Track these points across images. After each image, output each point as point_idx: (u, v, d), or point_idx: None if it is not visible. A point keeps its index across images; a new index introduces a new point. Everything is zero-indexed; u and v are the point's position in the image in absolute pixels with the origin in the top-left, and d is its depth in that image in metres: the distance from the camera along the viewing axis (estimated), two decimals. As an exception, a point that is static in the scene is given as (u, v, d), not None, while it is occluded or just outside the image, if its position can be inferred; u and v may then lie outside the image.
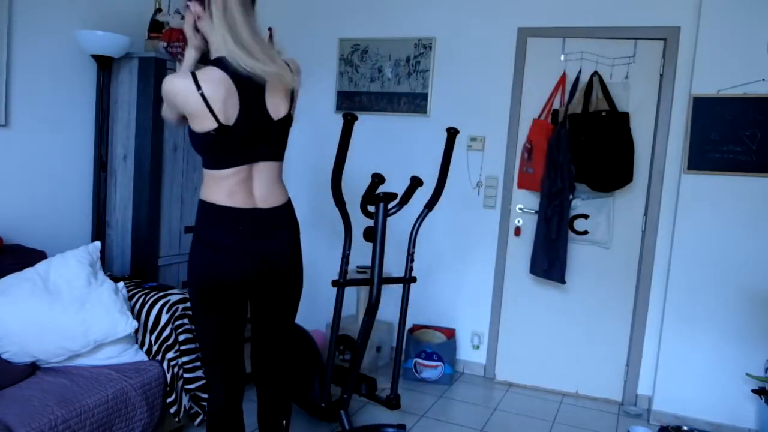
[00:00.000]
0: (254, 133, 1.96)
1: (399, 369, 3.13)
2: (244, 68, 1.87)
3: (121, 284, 2.70)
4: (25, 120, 3.06)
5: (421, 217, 3.12)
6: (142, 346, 2.69)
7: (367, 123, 4.16)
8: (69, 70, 3.25)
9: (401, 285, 3.14)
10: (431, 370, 3.82)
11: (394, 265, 4.13)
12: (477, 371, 4.04)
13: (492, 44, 3.87)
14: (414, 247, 3.11)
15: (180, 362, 2.68)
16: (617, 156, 3.48)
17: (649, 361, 3.60)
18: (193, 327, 2.79)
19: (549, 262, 3.61)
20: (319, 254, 4.40)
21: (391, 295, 4.14)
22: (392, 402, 3.09)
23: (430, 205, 3.10)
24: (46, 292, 2.48)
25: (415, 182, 3.04)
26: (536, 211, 3.74)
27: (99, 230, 3.38)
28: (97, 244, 2.79)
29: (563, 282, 3.61)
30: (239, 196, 1.98)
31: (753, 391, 3.18)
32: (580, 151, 3.52)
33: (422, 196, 3.66)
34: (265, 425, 2.34)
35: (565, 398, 3.76)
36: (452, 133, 3.05)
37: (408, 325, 4.10)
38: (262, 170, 2.04)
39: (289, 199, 2.21)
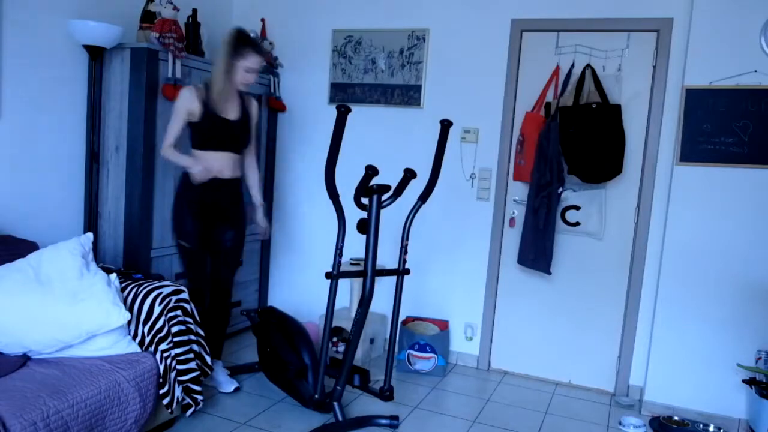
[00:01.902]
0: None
1: (392, 360, 3.13)
2: None
3: (113, 275, 2.69)
4: (17, 111, 3.04)
5: (415, 209, 3.12)
6: (134, 337, 2.69)
7: (360, 115, 4.16)
8: (60, 60, 3.23)
9: (394, 277, 3.14)
10: (424, 361, 3.83)
11: (387, 257, 4.13)
12: (470, 363, 4.06)
13: (486, 36, 3.87)
14: (408, 239, 3.11)
15: (173, 354, 2.67)
16: (606, 147, 3.49)
17: (641, 352, 3.62)
18: (186, 319, 2.80)
19: (536, 252, 3.63)
20: (313, 246, 4.40)
21: (384, 287, 4.14)
22: (385, 393, 3.10)
23: (424, 197, 3.10)
24: (38, 283, 2.47)
25: (409, 174, 3.05)
26: (529, 203, 3.75)
27: (91, 221, 3.37)
28: (90, 235, 2.78)
29: (549, 272, 3.63)
30: None
31: (743, 381, 3.21)
32: (570, 144, 3.53)
33: (416, 188, 3.66)
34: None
35: (558, 388, 3.78)
36: (446, 126, 3.05)
37: (401, 317, 4.10)
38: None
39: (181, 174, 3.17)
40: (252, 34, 3.22)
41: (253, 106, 3.27)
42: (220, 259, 3.26)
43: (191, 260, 3.19)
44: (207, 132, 3.05)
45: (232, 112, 3.12)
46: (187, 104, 3.01)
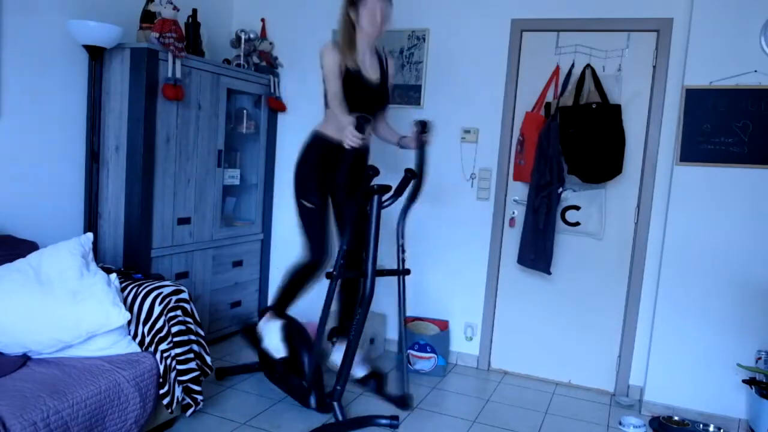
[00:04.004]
0: None
1: (405, 366, 3.14)
2: None
3: (113, 275, 2.69)
4: (17, 111, 3.04)
5: (405, 209, 3.12)
6: (134, 337, 2.69)
7: (360, 115, 4.15)
8: (60, 60, 3.23)
9: (394, 277, 3.14)
10: (424, 361, 3.83)
11: (386, 258, 4.12)
12: (470, 363, 4.06)
13: (486, 36, 3.87)
14: (403, 238, 3.11)
15: (173, 354, 2.67)
16: (606, 147, 3.49)
17: (641, 352, 3.62)
18: (186, 319, 2.80)
19: (536, 252, 3.63)
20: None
21: (384, 287, 4.14)
22: (402, 400, 3.12)
23: (412, 197, 3.11)
24: (38, 283, 2.47)
25: (410, 174, 3.05)
26: (529, 203, 3.75)
27: (91, 222, 3.37)
28: (90, 235, 2.78)
29: (549, 272, 3.63)
30: None
31: (744, 381, 3.21)
32: (570, 144, 3.52)
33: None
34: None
35: (558, 388, 3.78)
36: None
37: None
38: None
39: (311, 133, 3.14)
40: None
41: (391, 65, 3.15)
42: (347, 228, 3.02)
43: (312, 221, 3.04)
44: (345, 92, 2.91)
45: (372, 72, 3.01)
46: (336, 59, 2.89)
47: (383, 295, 4.15)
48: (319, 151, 3.06)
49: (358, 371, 3.30)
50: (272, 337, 3.17)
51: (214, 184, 3.88)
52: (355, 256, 3.13)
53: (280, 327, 3.18)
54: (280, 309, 3.23)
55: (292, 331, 3.27)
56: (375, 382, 3.25)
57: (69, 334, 2.44)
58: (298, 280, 3.13)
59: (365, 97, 2.97)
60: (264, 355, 3.31)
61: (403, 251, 3.10)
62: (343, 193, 2.86)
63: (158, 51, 3.31)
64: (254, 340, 3.31)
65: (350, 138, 2.72)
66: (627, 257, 3.68)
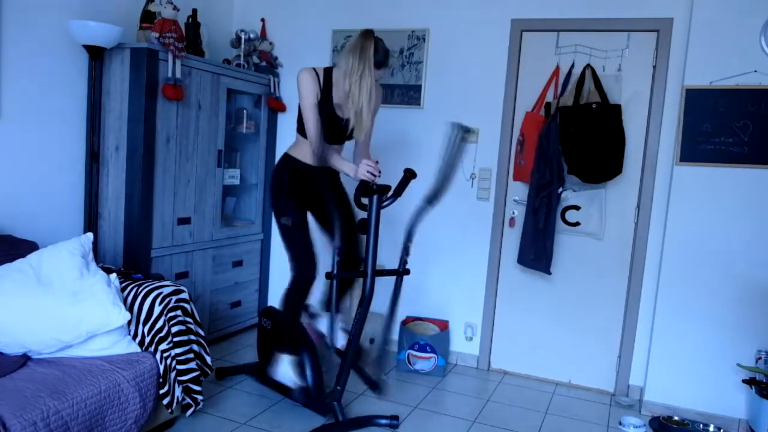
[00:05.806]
0: None
1: (385, 354, 3.13)
2: None
3: (113, 275, 2.69)
4: (17, 111, 3.04)
5: (420, 211, 3.08)
6: (134, 337, 2.69)
7: (360, 115, 4.15)
8: (60, 60, 3.23)
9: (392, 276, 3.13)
10: (424, 361, 3.83)
11: (385, 257, 4.12)
12: (470, 363, 4.06)
13: (486, 36, 3.87)
14: (411, 240, 3.09)
15: (173, 354, 2.67)
16: (606, 147, 3.49)
17: (641, 352, 3.62)
18: (186, 319, 2.80)
19: (536, 252, 3.63)
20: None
21: (383, 287, 4.13)
22: (375, 384, 3.13)
23: (431, 200, 3.07)
24: (39, 283, 2.47)
25: (409, 174, 3.04)
26: (529, 203, 3.75)
27: (91, 222, 3.37)
28: (90, 235, 2.78)
29: (549, 272, 3.63)
30: None
31: (744, 381, 3.21)
32: (570, 144, 3.53)
33: (417, 187, 3.66)
34: None
35: (558, 388, 3.78)
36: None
37: (401, 317, 4.10)
38: None
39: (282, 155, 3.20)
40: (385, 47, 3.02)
41: (375, 95, 3.04)
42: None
43: (292, 239, 3.08)
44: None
45: (347, 110, 3.04)
46: (314, 88, 2.93)
47: (384, 295, 4.14)
48: (289, 173, 3.12)
49: (340, 340, 3.24)
50: (285, 372, 3.16)
51: (214, 184, 3.88)
52: (349, 257, 3.14)
53: (290, 361, 3.16)
54: (292, 324, 3.20)
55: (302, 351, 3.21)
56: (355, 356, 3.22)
57: (69, 334, 2.44)
58: (294, 301, 3.13)
59: (334, 129, 3.04)
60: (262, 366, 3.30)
61: (407, 253, 3.09)
62: (327, 201, 3.00)
63: (158, 51, 3.31)
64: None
65: (366, 172, 2.85)
66: (627, 257, 3.68)
